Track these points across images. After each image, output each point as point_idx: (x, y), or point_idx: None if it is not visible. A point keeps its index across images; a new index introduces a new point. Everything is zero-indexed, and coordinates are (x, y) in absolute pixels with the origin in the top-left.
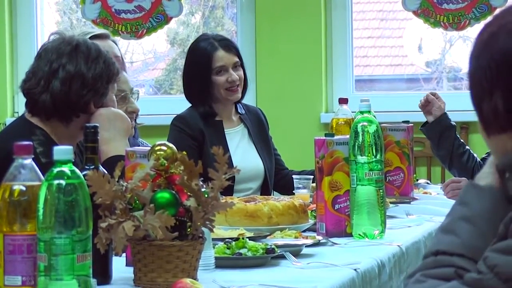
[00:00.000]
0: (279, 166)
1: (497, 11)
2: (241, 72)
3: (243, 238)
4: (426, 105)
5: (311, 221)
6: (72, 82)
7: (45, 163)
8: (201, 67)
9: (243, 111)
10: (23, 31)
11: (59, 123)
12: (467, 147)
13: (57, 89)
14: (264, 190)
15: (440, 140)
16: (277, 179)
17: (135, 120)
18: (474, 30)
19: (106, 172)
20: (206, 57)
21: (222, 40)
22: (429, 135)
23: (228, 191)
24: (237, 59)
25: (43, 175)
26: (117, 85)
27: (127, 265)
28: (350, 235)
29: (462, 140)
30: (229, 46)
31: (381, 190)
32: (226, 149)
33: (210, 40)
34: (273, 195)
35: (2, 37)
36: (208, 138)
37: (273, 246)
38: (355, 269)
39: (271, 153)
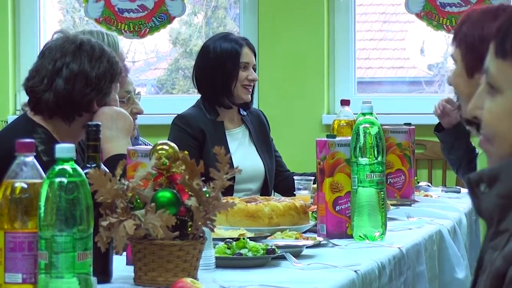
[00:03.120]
0: (280, 167)
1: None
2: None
3: (243, 238)
4: (442, 115)
5: (312, 222)
6: (75, 81)
7: (46, 162)
8: (230, 59)
9: (245, 113)
10: (25, 30)
11: (61, 122)
12: (477, 151)
13: (60, 87)
14: (264, 191)
15: (453, 145)
16: (278, 181)
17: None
18: None
19: (107, 170)
20: (236, 50)
21: (247, 40)
22: (443, 139)
23: (228, 191)
24: (255, 63)
25: (44, 173)
26: (124, 86)
27: (127, 264)
28: (350, 236)
29: (474, 145)
30: (252, 47)
31: (382, 192)
32: (226, 150)
33: (237, 38)
34: (273, 196)
35: (5, 35)
36: (209, 138)
37: (273, 247)
38: (355, 271)
39: (272, 155)
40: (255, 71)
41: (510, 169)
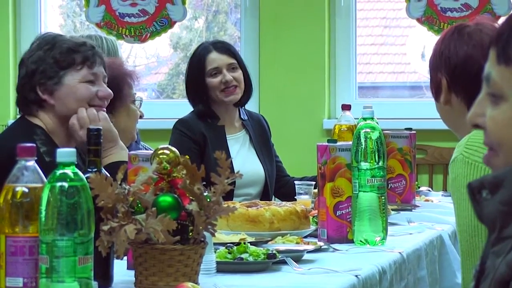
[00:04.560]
0: (280, 173)
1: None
2: (238, 74)
3: (244, 243)
4: None
5: (313, 227)
6: (20, 73)
7: (49, 162)
8: (195, 70)
9: (246, 117)
10: (26, 34)
11: (42, 115)
12: None
13: (17, 85)
14: (265, 196)
15: None
16: (278, 186)
17: None
18: None
19: (108, 175)
20: (200, 60)
21: (217, 43)
22: None
23: (228, 196)
24: (232, 61)
25: (48, 174)
26: (133, 89)
27: (128, 268)
28: (351, 241)
29: None
30: (222, 48)
31: (383, 197)
32: (227, 154)
33: (206, 44)
34: (274, 201)
35: (6, 40)
36: (210, 142)
37: (274, 252)
38: (356, 275)
39: (272, 160)
40: (242, 69)
41: None
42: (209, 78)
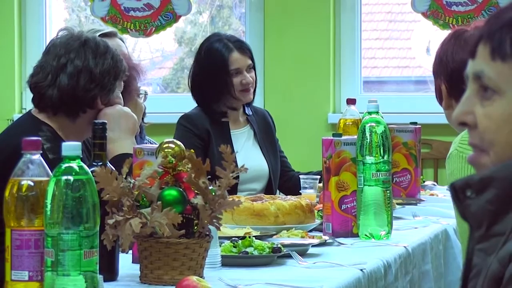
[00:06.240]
0: (285, 168)
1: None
2: (254, 74)
3: (249, 237)
4: None
5: (318, 221)
6: (79, 77)
7: (53, 159)
8: (217, 69)
9: (250, 113)
10: (32, 29)
11: (65, 119)
12: None
13: (64, 83)
14: (268, 192)
15: None
16: (283, 181)
17: (143, 119)
18: None
19: (113, 168)
20: (222, 59)
21: (236, 41)
22: None
23: (232, 191)
24: (250, 62)
25: (51, 171)
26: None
27: (133, 262)
28: (356, 235)
29: None
30: (243, 48)
31: (388, 191)
32: (231, 149)
33: (224, 41)
34: (279, 195)
35: (11, 34)
36: (214, 138)
37: (279, 245)
38: (361, 269)
39: (277, 155)
40: (254, 68)
41: (502, 176)
42: (230, 78)
